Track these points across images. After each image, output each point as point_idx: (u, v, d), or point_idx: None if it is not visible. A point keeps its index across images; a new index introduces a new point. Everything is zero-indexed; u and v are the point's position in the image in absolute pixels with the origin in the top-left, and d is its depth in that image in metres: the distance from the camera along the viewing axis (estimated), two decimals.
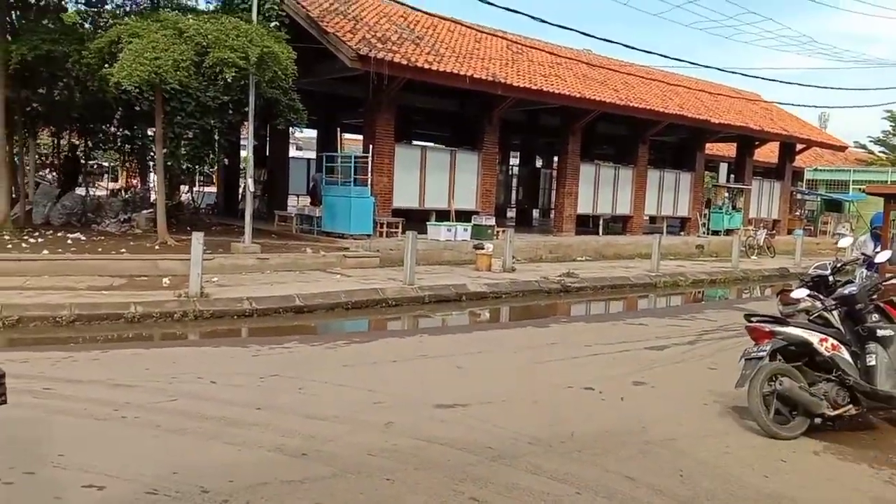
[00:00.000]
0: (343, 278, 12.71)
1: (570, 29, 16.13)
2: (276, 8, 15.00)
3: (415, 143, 22.03)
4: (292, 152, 29.89)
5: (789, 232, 28.99)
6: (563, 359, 8.14)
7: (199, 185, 24.94)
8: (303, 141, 43.80)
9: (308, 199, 23.19)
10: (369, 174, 16.34)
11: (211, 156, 18.53)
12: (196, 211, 21.96)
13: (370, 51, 15.41)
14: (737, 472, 4.91)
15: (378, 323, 10.74)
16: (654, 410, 6.29)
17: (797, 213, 32.42)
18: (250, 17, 13.62)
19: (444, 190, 18.84)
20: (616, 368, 7.80)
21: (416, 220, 17.89)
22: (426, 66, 16.61)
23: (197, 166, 19.04)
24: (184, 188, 21.58)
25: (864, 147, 42.70)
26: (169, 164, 15.77)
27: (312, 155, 31.81)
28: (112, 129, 19.50)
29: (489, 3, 13.74)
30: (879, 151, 42.43)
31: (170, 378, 6.55)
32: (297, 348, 8.06)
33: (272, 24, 14.66)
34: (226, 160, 20.52)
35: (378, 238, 16.48)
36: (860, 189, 19.16)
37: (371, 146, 16.59)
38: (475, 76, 17.33)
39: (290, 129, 21.78)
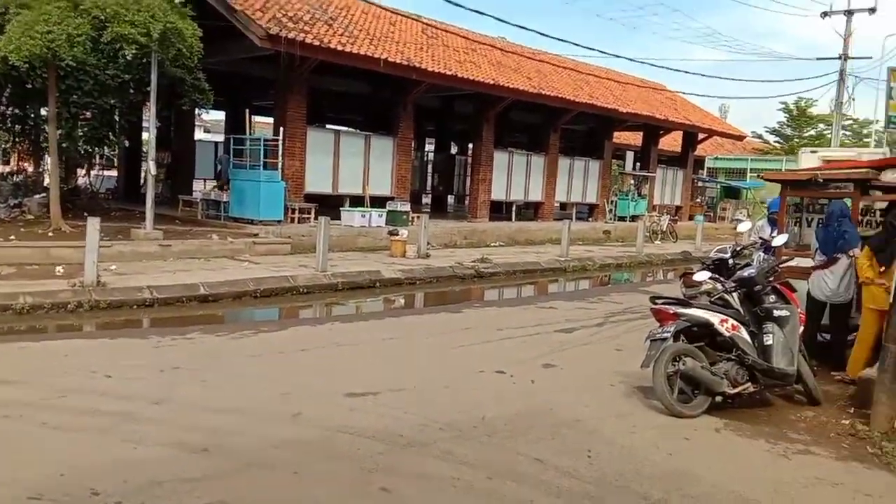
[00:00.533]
0: (252, 266, 12.30)
1: (485, 14, 16.24)
2: None
3: (328, 126, 21.56)
4: (199, 135, 28.81)
5: (690, 218, 30.20)
6: (476, 343, 8.14)
7: (99, 169, 23.60)
8: (211, 123, 42.29)
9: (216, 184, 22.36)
10: (280, 158, 15.88)
11: (111, 138, 17.53)
12: (94, 196, 20.75)
13: (281, 30, 14.91)
14: (643, 451, 5.02)
15: (288, 311, 10.45)
16: (563, 392, 6.38)
17: (698, 200, 33.85)
18: None
19: (358, 175, 18.55)
20: (527, 352, 7.86)
21: (329, 205, 17.54)
22: (339, 48, 16.24)
23: (95, 149, 17.95)
24: (81, 171, 20.33)
25: (760, 137, 45.05)
26: (64, 145, 14.79)
27: (221, 138, 30.72)
28: (0, 107, 18.13)
29: None
30: (774, 141, 44.85)
31: (61, 373, 6.14)
32: (201, 339, 7.72)
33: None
34: (126, 142, 19.47)
35: (289, 224, 16.06)
36: (757, 176, 20.13)
37: (282, 129, 16.12)
38: (390, 60, 17.09)
39: (197, 110, 20.87)
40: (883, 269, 6.71)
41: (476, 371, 6.91)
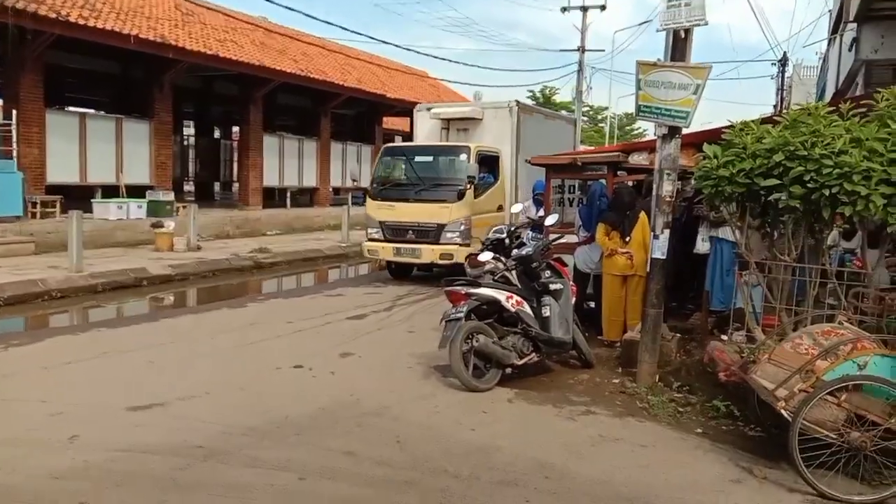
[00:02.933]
0: None
1: None
2: None
3: (71, 109, 19.26)
4: None
5: None
6: (267, 339, 7.81)
7: None
8: None
9: None
10: (14, 145, 13.89)
11: None
12: None
13: None
14: (448, 430, 5.17)
15: (41, 320, 9.19)
16: (365, 381, 6.36)
17: None
18: None
19: (110, 162, 16.89)
20: (322, 343, 7.72)
21: (77, 197, 15.74)
22: (81, 21, 14.55)
23: None
24: None
25: None
26: None
27: None
28: None
29: None
30: None
31: None
32: None
33: None
34: None
35: (31, 220, 14.17)
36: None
37: (14, 112, 14.09)
38: (141, 37, 15.69)
39: None
40: (628, 239, 7.57)
41: (272, 368, 6.63)
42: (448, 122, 13.67)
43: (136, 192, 16.97)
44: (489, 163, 12.43)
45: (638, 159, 8.40)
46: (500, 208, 12.37)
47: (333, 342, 7.74)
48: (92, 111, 19.95)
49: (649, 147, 7.95)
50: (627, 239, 7.57)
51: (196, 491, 4.03)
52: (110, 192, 16.63)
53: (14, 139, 13.88)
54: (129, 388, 5.89)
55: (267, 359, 6.97)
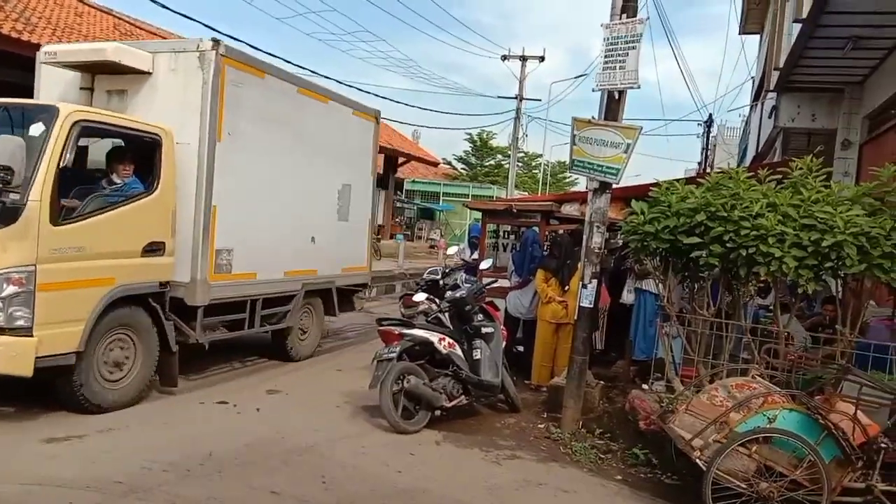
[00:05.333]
0: None
1: (192, 18, 15.12)
2: None
3: None
4: None
5: (392, 236, 31.81)
6: (189, 372, 7.59)
7: None
8: None
9: None
10: None
11: None
12: None
13: None
14: (374, 471, 5.17)
15: None
16: (291, 418, 6.28)
17: (398, 220, 35.81)
18: None
19: None
20: (248, 378, 7.60)
21: None
22: (14, 35, 14.07)
23: None
24: None
25: (450, 164, 49.14)
26: None
27: None
28: None
29: None
30: (461, 168, 49.28)
31: None
32: None
33: None
34: None
35: None
36: (463, 205, 21.92)
37: None
38: None
39: None
40: (567, 288, 7.79)
41: (196, 402, 6.48)
42: (92, 78, 7.07)
43: None
44: (138, 151, 6.39)
45: (570, 210, 8.72)
46: (156, 249, 6.36)
47: (260, 378, 7.63)
48: None
49: (581, 198, 8.27)
50: (566, 287, 7.79)
51: None
52: None
53: None
54: (43, 419, 5.64)
55: (190, 393, 6.79)
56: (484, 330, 6.90)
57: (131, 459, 4.88)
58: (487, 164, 49.01)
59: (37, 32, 14.90)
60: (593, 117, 6.80)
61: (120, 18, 19.20)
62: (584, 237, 6.65)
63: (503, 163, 46.30)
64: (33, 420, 5.58)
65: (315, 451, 5.47)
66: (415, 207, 37.48)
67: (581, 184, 44.75)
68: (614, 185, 6.62)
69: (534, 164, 53.80)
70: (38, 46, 14.34)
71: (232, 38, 23.87)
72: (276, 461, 5.16)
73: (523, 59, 29.38)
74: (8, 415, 5.67)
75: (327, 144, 8.66)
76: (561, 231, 9.20)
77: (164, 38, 20.31)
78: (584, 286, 6.50)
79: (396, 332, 6.46)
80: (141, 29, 19.74)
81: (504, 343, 7.13)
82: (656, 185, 6.34)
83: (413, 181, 39.18)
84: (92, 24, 17.94)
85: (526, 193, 36.49)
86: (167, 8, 11.88)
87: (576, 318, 6.66)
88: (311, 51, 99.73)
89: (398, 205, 36.09)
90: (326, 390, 7.34)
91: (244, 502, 4.40)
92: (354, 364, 8.59)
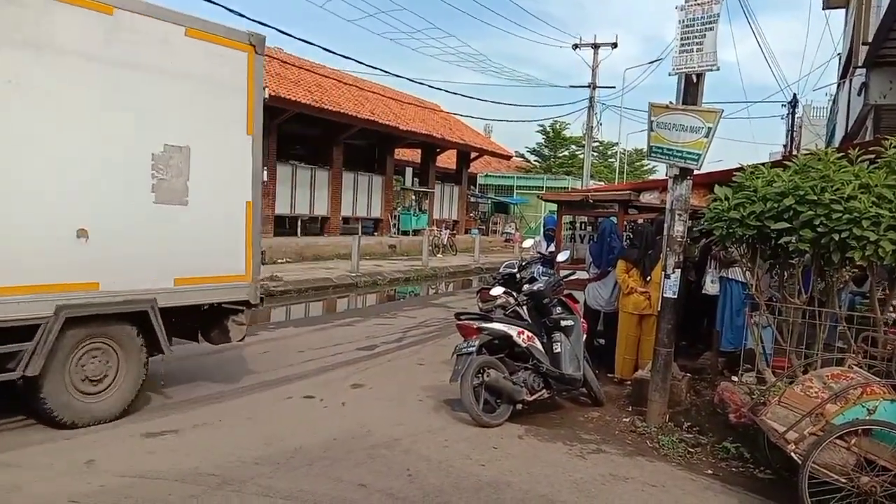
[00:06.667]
0: None
1: (268, 25, 15.79)
2: None
3: None
4: None
5: (467, 231, 31.96)
6: (278, 368, 7.87)
7: None
8: None
9: None
10: None
11: None
12: None
13: None
14: (458, 465, 5.20)
15: None
16: (375, 412, 6.40)
17: (472, 215, 35.91)
18: None
19: None
20: (332, 373, 7.78)
21: None
22: None
23: None
24: None
25: (523, 156, 48.80)
26: None
27: None
28: None
29: None
30: (535, 160, 48.87)
31: None
32: None
33: None
34: None
35: None
36: (537, 196, 21.79)
37: None
38: None
39: None
40: (649, 278, 7.62)
41: (283, 398, 6.69)
42: None
43: None
44: None
45: (649, 198, 8.51)
46: None
47: (344, 373, 7.80)
48: None
49: (660, 186, 8.06)
50: (648, 278, 7.63)
51: None
52: None
53: None
54: (142, 414, 5.95)
55: (278, 387, 7.03)
56: (563, 323, 6.83)
57: (224, 453, 5.09)
58: (561, 155, 48.42)
59: None
60: (671, 102, 6.61)
61: None
62: (666, 226, 6.48)
63: (577, 153, 45.65)
64: (132, 416, 5.88)
65: (399, 444, 5.55)
66: (489, 202, 37.45)
67: (660, 171, 43.55)
68: (695, 172, 6.42)
69: (609, 152, 52.83)
70: None
71: (306, 41, 24.35)
72: (361, 455, 5.26)
73: (595, 46, 28.85)
74: None
75: (121, 83, 5.71)
76: (640, 220, 9.00)
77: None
78: (668, 276, 6.33)
79: (475, 326, 6.47)
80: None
81: (585, 336, 7.04)
82: (740, 169, 6.11)
83: (486, 175, 39.17)
84: None
85: (602, 183, 35.88)
86: (243, 16, 12.20)
87: (659, 308, 6.50)
88: (382, 51, 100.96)
89: (472, 200, 36.16)
90: (408, 384, 7.43)
91: (333, 495, 4.50)
92: (435, 358, 8.68)
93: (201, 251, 6.35)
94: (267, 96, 6.98)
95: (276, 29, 15.42)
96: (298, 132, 26.43)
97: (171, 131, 6.04)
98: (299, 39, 30.17)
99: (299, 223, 22.74)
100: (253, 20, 12.73)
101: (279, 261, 18.47)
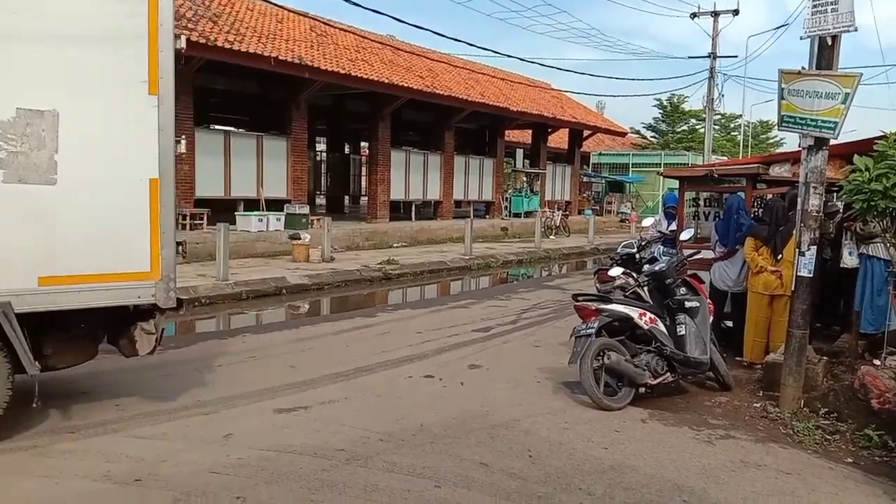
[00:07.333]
0: None
1: (383, 13, 15.98)
2: None
3: (216, 127, 20.74)
4: None
5: (580, 212, 31.40)
6: (398, 348, 8.07)
7: None
8: None
9: None
10: None
11: None
12: None
13: None
14: (580, 447, 5.15)
15: (192, 325, 9.95)
16: (494, 393, 6.44)
17: (586, 195, 35.21)
18: None
19: (251, 178, 17.99)
20: (450, 353, 7.89)
21: (221, 210, 16.88)
22: (227, 45, 15.66)
23: None
24: None
25: (638, 133, 47.25)
26: None
27: None
28: None
29: None
30: (651, 136, 47.20)
31: None
32: (108, 359, 7.18)
33: None
34: None
35: (180, 231, 15.33)
36: (657, 172, 21.14)
37: None
38: (281, 58, 16.67)
39: None
40: (780, 256, 7.20)
41: (404, 377, 6.86)
42: None
43: (274, 205, 17.98)
44: None
45: (780, 171, 8.04)
46: None
47: (461, 353, 7.89)
48: (235, 129, 21.35)
49: (792, 158, 7.59)
50: (779, 256, 7.22)
51: (341, 492, 4.24)
52: (251, 205, 17.71)
53: None
54: (274, 391, 6.27)
55: (398, 367, 7.21)
56: (688, 304, 6.58)
57: (351, 429, 5.28)
58: (680, 129, 46.49)
59: (245, 41, 16.43)
60: (803, 68, 6.19)
61: (315, 20, 20.57)
62: (800, 200, 6.09)
63: (697, 127, 43.66)
64: (264, 392, 6.21)
65: (518, 425, 5.56)
66: (602, 181, 36.58)
67: (788, 143, 40.95)
68: (832, 141, 5.99)
69: (732, 125, 50.18)
70: (247, 54, 15.94)
71: (416, 26, 24.77)
72: (482, 434, 5.31)
73: (715, 14, 27.38)
74: (244, 389, 6.36)
75: None
76: (770, 196, 8.50)
77: (359, 36, 21.50)
78: (802, 253, 5.96)
79: (593, 308, 6.35)
80: (335, 28, 21.03)
81: (711, 318, 6.76)
82: (883, 137, 5.65)
83: (600, 154, 38.25)
84: (291, 29, 19.42)
85: (725, 158, 34.18)
86: (358, 5, 12.44)
87: (793, 288, 6.13)
88: (491, 31, 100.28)
89: (585, 179, 35.45)
90: (525, 366, 7.42)
91: (456, 473, 4.58)
92: (552, 340, 8.62)
93: (78, 242, 5.01)
94: (182, 46, 5.33)
95: (389, 16, 15.58)
96: (410, 118, 26.88)
97: (27, 91, 4.77)
98: (411, 25, 30.48)
99: (413, 208, 23.14)
100: (369, 9, 13.00)
101: (394, 245, 18.89)
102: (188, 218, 15.84)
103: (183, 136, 10.99)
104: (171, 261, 5.43)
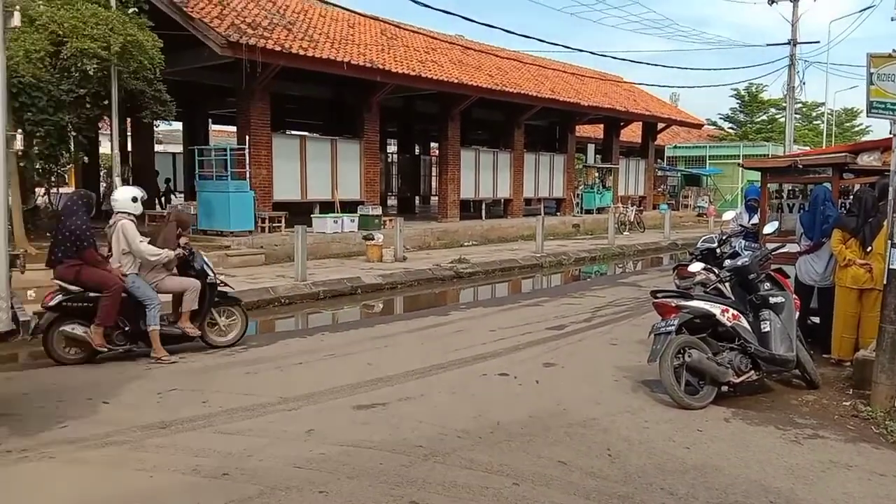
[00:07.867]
0: (228, 278, 12.04)
1: (452, 13, 16.10)
2: None
3: (292, 132, 21.31)
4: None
5: (655, 207, 30.69)
6: (472, 346, 8.10)
7: (54, 188, 22.94)
8: (162, 134, 41.44)
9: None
10: (247, 167, 15.62)
11: (66, 154, 17.04)
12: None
13: (241, 37, 14.67)
14: (660, 446, 5.05)
15: (273, 324, 10.27)
16: (570, 391, 6.38)
17: (661, 189, 34.38)
18: (108, 3, 12.55)
19: (326, 181, 18.36)
20: (524, 351, 7.86)
21: (298, 213, 17.32)
22: (301, 52, 16.06)
23: (52, 166, 17.43)
24: (40, 191, 19.70)
25: (715, 124, 45.90)
26: (22, 164, 14.30)
27: (173, 149, 30.15)
28: None
29: None
30: (728, 127, 45.75)
31: (55, 403, 5.91)
32: (193, 357, 7.52)
33: (130, 11, 13.57)
34: (86, 158, 18.99)
35: (260, 234, 15.82)
36: (738, 164, 20.41)
37: (247, 137, 15.85)
38: (353, 62, 16.96)
39: (154, 122, 20.43)
40: (870, 249, 6.86)
41: (479, 374, 6.89)
42: None
43: (348, 207, 18.32)
44: None
45: (869, 160, 7.69)
46: None
47: (535, 351, 7.85)
48: (309, 134, 21.87)
49: (883, 146, 7.24)
50: (869, 248, 6.88)
51: (421, 487, 4.29)
52: (326, 207, 18.09)
53: (247, 162, 15.61)
54: (353, 388, 6.40)
55: (473, 365, 7.24)
56: (772, 300, 6.36)
57: (428, 426, 5.34)
58: (758, 120, 44.89)
59: (318, 47, 16.79)
60: (894, 50, 5.89)
61: (386, 23, 20.84)
62: (891, 189, 5.79)
63: (777, 117, 42.09)
64: (344, 389, 6.34)
65: (597, 424, 5.49)
66: (678, 174, 35.65)
67: (876, 131, 38.94)
68: None
69: (814, 114, 48.10)
70: (320, 60, 16.30)
71: (488, 25, 24.68)
72: (559, 432, 5.28)
73: None
74: (323, 386, 6.51)
75: None
76: (857, 186, 8.11)
77: (428, 37, 21.65)
78: (895, 245, 5.66)
79: (673, 305, 6.22)
80: (405, 30, 21.27)
81: (797, 314, 6.50)
82: None
83: (675, 147, 37.30)
84: (362, 33, 19.75)
85: (807, 148, 32.76)
86: (428, 6, 12.56)
87: (885, 282, 5.84)
88: (561, 26, 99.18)
89: (659, 173, 34.63)
90: (602, 364, 7.33)
91: (534, 471, 4.56)
92: (629, 338, 8.48)
93: None
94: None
95: (458, 15, 15.65)
96: (479, 117, 26.89)
97: None
98: (481, 24, 30.46)
99: (483, 207, 23.14)
100: (438, 10, 13.12)
101: (466, 244, 18.95)
102: (267, 221, 16.31)
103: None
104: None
